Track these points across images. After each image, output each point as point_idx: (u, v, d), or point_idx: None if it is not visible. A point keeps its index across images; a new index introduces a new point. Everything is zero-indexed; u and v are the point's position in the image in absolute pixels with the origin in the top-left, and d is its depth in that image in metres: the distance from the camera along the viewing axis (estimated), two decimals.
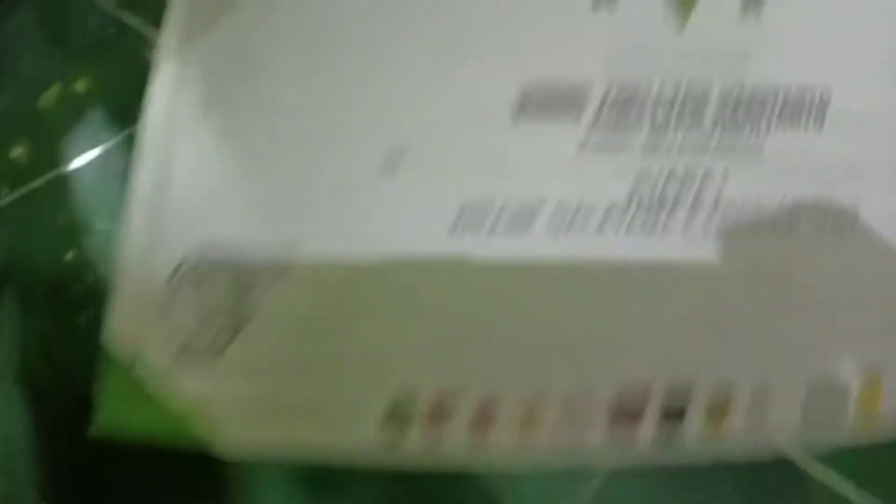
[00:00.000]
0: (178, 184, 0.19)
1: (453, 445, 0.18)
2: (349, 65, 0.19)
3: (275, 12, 0.19)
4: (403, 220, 0.18)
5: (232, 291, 0.19)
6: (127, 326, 0.19)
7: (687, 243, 0.19)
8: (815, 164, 0.19)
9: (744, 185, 0.19)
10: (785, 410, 0.20)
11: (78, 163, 0.22)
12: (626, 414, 0.19)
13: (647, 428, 0.19)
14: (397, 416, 0.18)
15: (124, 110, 0.22)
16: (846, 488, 0.18)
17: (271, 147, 0.19)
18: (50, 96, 0.24)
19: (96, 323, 0.19)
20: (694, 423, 0.19)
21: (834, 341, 0.20)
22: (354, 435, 0.18)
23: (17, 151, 0.23)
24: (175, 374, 0.19)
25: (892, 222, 0.20)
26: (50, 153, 0.23)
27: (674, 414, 0.19)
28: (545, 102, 0.18)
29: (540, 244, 0.18)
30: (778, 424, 0.20)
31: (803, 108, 0.19)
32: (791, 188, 0.19)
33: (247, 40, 0.19)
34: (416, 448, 0.18)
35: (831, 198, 0.19)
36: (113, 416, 0.18)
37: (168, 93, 0.20)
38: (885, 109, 0.19)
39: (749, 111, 0.19)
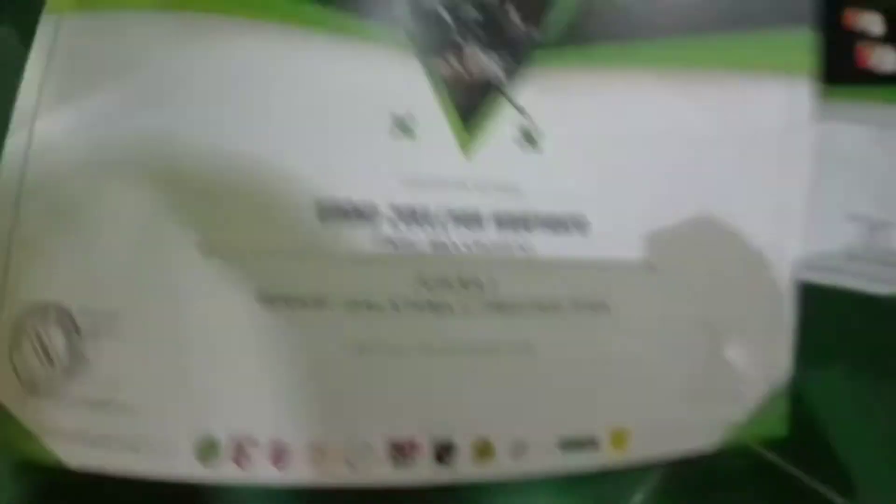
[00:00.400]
0: (28, 230, 0.21)
1: (258, 478, 0.21)
2: (166, 161, 0.21)
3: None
4: (215, 298, 0.21)
5: (67, 337, 0.21)
6: None
7: (466, 323, 0.23)
8: (578, 264, 0.24)
9: (519, 275, 0.23)
10: (543, 455, 0.24)
11: None
12: (402, 455, 0.22)
13: (424, 465, 0.22)
14: (204, 454, 0.21)
15: None
16: None
17: (107, 220, 0.21)
18: None
19: None
20: (464, 461, 0.23)
21: (586, 406, 0.24)
22: (174, 467, 0.21)
23: None
24: (19, 407, 0.21)
25: (637, 310, 0.24)
26: None
27: (444, 455, 0.23)
28: (342, 213, 0.22)
29: (336, 320, 0.22)
30: (539, 463, 0.24)
31: (569, 225, 0.23)
32: (558, 280, 0.23)
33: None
34: (228, 477, 0.21)
35: (589, 287, 0.24)
36: None
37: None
38: (634, 225, 0.24)
39: (523, 224, 0.23)
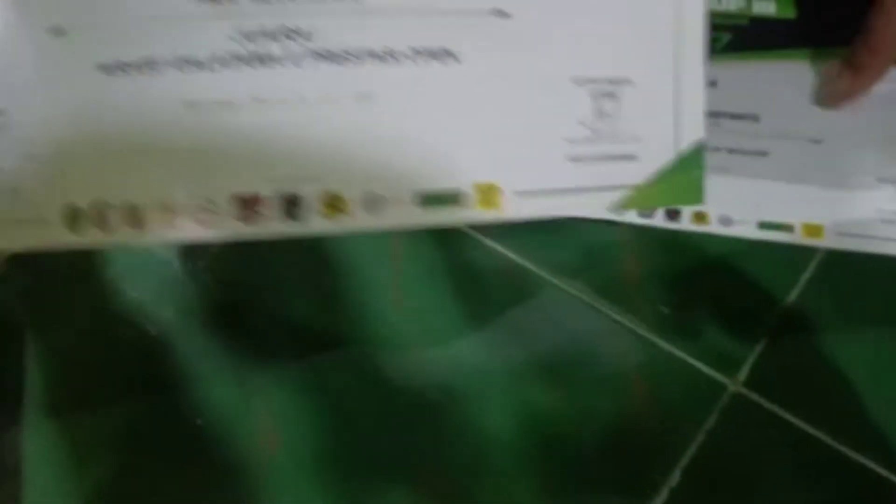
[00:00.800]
0: None
1: (119, 239, 0.23)
2: None
3: None
4: (67, 75, 0.23)
5: None
6: None
7: (295, 73, 0.23)
8: (414, 11, 0.23)
9: (346, 24, 0.23)
10: (401, 209, 0.23)
11: None
12: (249, 210, 0.23)
13: (273, 219, 0.23)
14: (71, 222, 0.23)
15: None
16: None
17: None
18: None
19: None
20: (314, 214, 0.23)
21: (445, 160, 0.24)
22: (51, 237, 0.23)
23: None
24: None
25: (492, 60, 0.24)
26: None
27: (292, 208, 0.23)
28: None
29: (167, 80, 0.23)
30: (397, 217, 0.23)
31: None
32: (392, 29, 0.23)
33: None
34: (94, 240, 0.23)
35: (432, 36, 0.23)
36: None
37: None
38: None
39: None
